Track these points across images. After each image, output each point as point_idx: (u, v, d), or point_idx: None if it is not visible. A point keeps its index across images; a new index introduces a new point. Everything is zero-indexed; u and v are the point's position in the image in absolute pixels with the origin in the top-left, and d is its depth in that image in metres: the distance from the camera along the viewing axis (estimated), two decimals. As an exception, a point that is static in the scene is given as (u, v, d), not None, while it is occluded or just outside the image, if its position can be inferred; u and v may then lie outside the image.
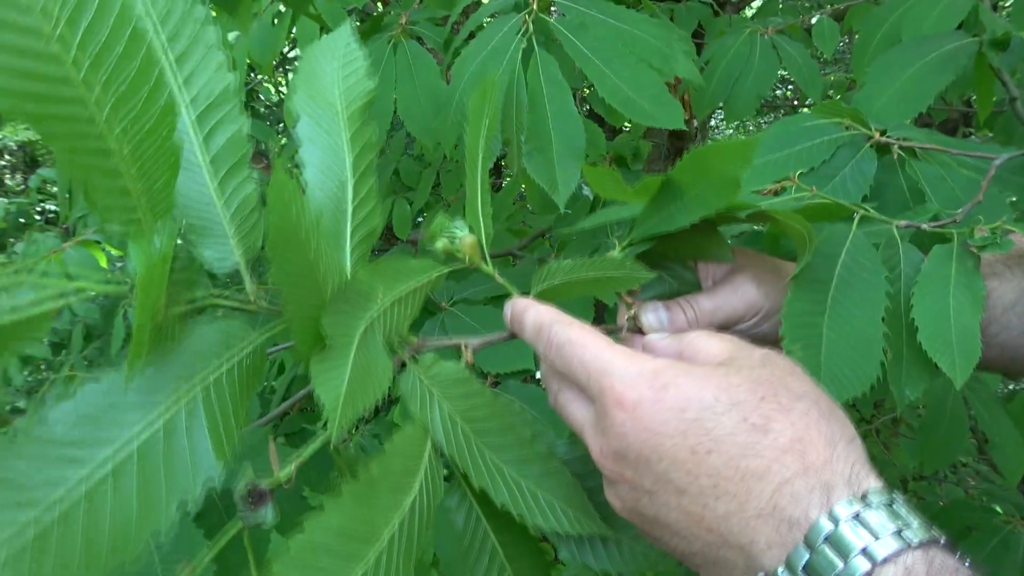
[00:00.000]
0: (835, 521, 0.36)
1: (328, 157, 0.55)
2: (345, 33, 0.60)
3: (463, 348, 0.55)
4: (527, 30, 1.01)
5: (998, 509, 1.39)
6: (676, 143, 2.32)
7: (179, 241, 0.44)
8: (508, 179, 2.87)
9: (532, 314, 0.52)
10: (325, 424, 0.44)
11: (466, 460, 0.50)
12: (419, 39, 1.30)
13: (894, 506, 0.37)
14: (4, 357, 0.38)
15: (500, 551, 0.53)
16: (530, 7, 1.02)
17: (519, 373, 1.10)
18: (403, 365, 0.52)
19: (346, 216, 0.54)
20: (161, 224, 0.40)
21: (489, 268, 0.56)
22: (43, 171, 3.00)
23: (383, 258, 0.49)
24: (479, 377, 0.54)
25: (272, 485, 0.44)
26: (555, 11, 1.05)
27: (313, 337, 0.43)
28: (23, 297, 0.37)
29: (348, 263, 0.52)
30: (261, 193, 0.50)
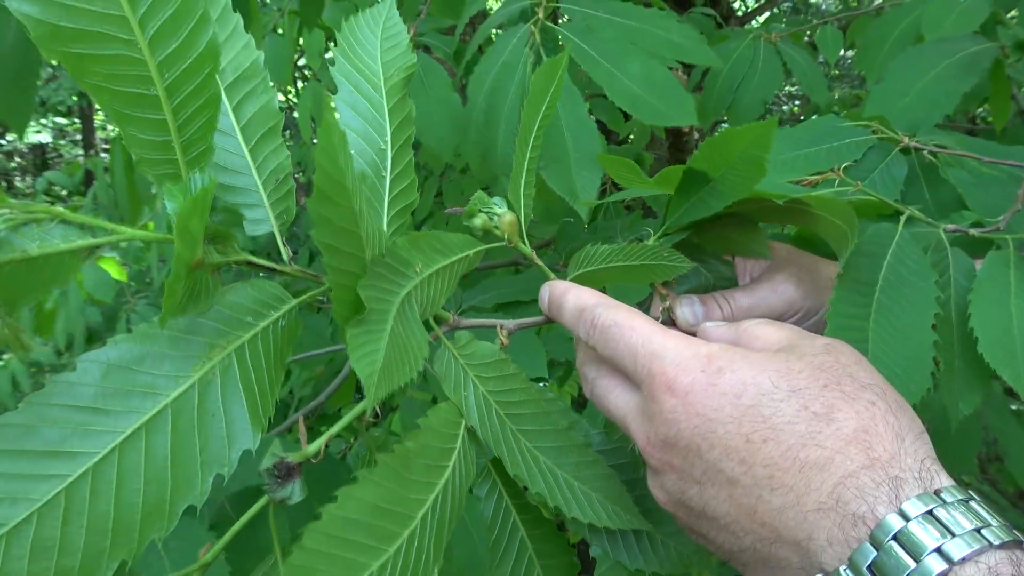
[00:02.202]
0: (905, 518, 0.33)
1: (368, 125, 0.54)
2: (387, 6, 0.59)
3: (498, 330, 0.53)
4: (534, 41, 0.99)
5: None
6: (677, 155, 2.31)
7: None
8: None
9: (573, 296, 0.49)
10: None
11: (501, 446, 0.48)
12: (427, 49, 1.28)
13: (971, 504, 0.34)
14: (30, 296, 0.36)
15: (530, 545, 0.51)
16: (536, 16, 1.01)
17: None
18: (438, 343, 0.50)
19: (384, 184, 0.52)
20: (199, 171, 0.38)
21: (527, 247, 0.54)
22: (49, 174, 2.98)
23: (421, 232, 0.47)
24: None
25: (300, 459, 0.42)
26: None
27: (353, 302, 0.41)
28: (55, 233, 0.35)
29: (386, 232, 0.51)
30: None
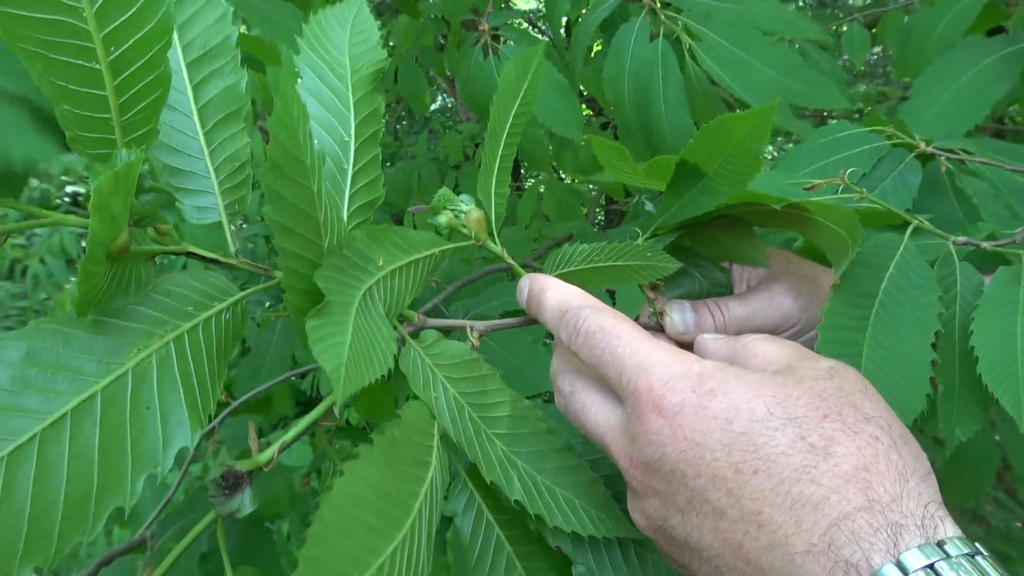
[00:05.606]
0: (904, 571, 0.30)
1: (330, 114, 0.51)
2: (356, 3, 0.57)
3: (468, 331, 0.50)
4: (660, 31, 0.99)
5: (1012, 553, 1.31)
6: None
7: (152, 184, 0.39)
8: (531, 181, 2.85)
9: (555, 294, 0.46)
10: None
11: (475, 450, 0.45)
12: (498, 39, 1.27)
13: (977, 559, 0.31)
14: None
15: (518, 564, 0.47)
16: (646, 6, 0.99)
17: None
18: (403, 342, 0.47)
19: (345, 177, 0.49)
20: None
21: (497, 246, 0.51)
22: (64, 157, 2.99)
23: (380, 225, 0.45)
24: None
25: (250, 468, 0.39)
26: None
27: (307, 291, 0.39)
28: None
29: (346, 226, 0.48)
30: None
